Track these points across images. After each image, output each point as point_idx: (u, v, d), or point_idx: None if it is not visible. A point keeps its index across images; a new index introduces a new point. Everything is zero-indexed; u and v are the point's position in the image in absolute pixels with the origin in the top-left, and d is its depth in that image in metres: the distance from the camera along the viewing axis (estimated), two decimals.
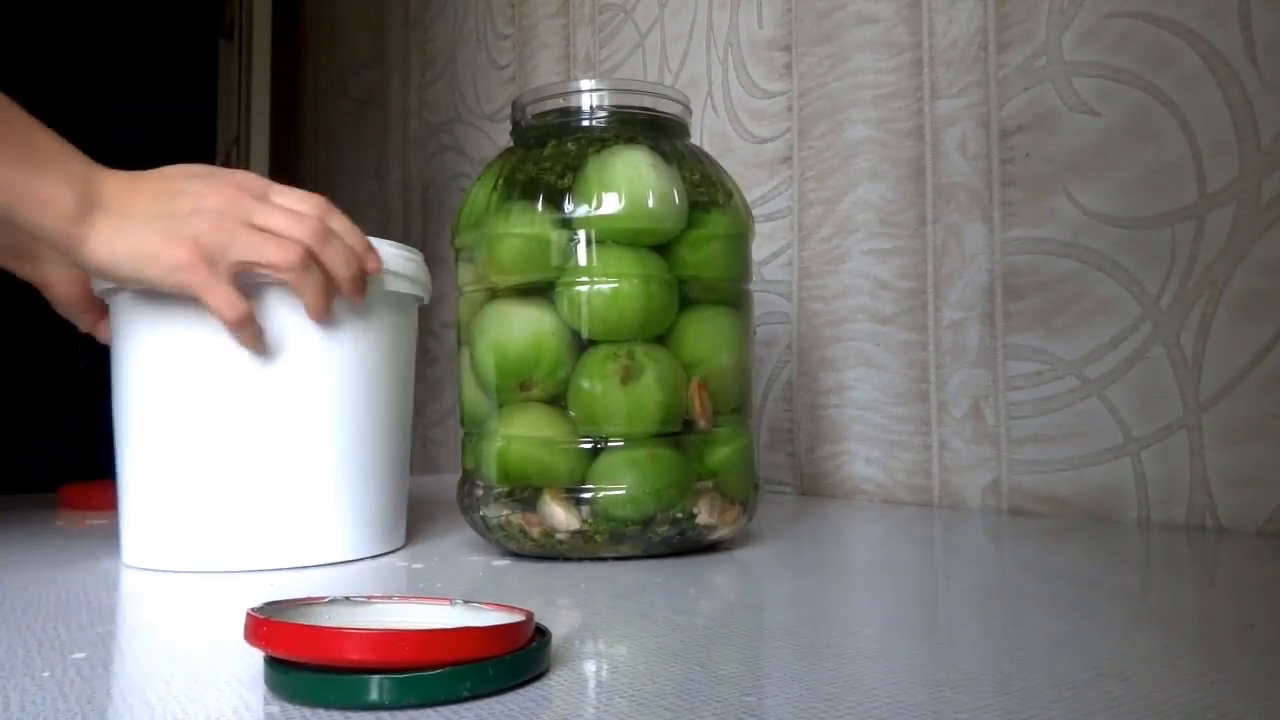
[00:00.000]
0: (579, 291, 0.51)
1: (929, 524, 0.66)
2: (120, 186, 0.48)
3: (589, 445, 0.51)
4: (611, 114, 0.55)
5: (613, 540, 0.50)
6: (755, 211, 0.90)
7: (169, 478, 0.50)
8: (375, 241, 0.54)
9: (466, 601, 0.33)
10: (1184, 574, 0.50)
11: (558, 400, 0.51)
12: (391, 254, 0.55)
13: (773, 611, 0.40)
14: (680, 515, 0.51)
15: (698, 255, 0.53)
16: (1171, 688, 0.29)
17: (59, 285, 0.61)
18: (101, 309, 0.61)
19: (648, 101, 0.56)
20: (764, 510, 0.73)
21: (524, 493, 0.51)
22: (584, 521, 0.50)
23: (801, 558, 0.53)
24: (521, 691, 0.29)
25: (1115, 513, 0.65)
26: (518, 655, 0.29)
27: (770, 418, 0.88)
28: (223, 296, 0.48)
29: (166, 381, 0.50)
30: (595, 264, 0.51)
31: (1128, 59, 0.65)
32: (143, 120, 2.35)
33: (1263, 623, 0.37)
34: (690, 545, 0.52)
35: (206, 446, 0.50)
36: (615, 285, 0.51)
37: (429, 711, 0.27)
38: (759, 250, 0.89)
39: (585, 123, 0.55)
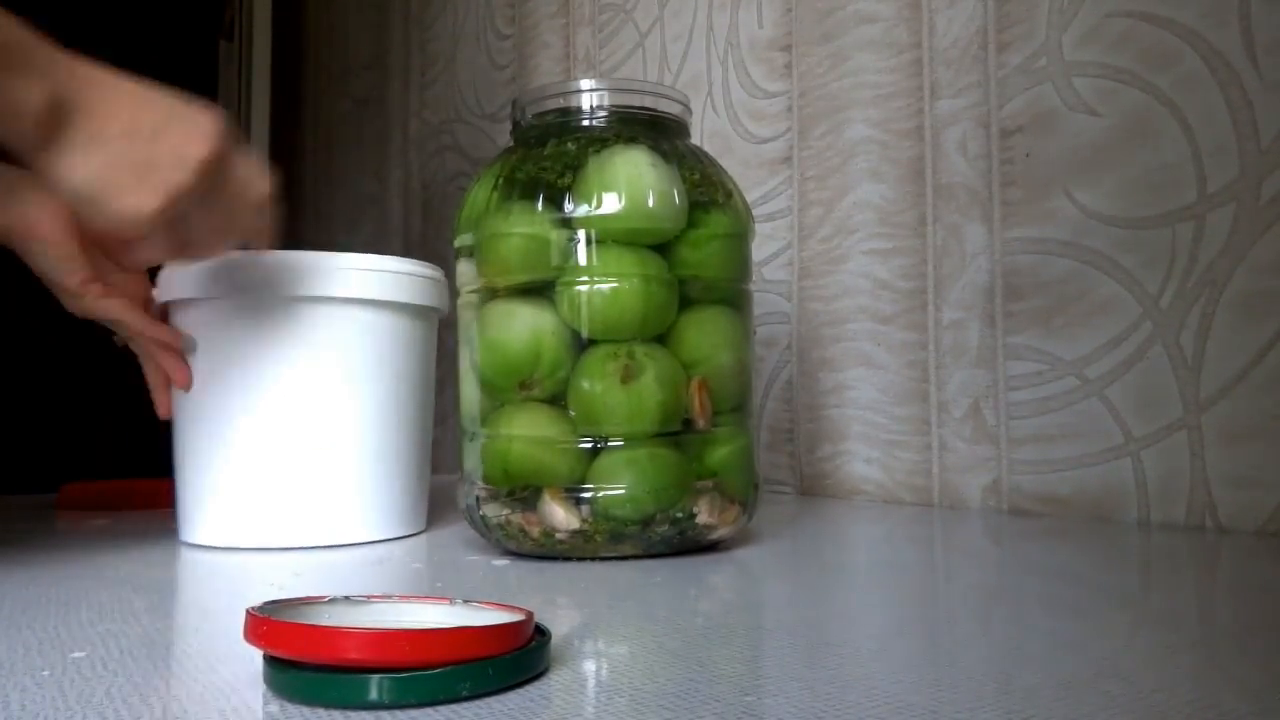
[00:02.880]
0: (579, 291, 0.51)
1: (929, 524, 0.66)
2: (97, 91, 0.43)
3: (589, 445, 0.51)
4: (611, 114, 0.55)
5: (612, 540, 0.50)
6: (755, 211, 0.90)
7: (225, 468, 0.57)
8: (401, 262, 0.61)
9: (466, 601, 0.33)
10: (1184, 574, 0.50)
11: (558, 400, 0.51)
12: (414, 270, 0.61)
13: (773, 611, 0.40)
14: (680, 515, 0.51)
15: (697, 255, 0.53)
16: (1171, 688, 0.29)
17: (40, 225, 0.51)
18: (98, 274, 0.54)
19: (648, 101, 0.56)
20: (764, 510, 0.73)
21: (524, 492, 0.51)
22: (584, 521, 0.50)
23: (801, 558, 0.53)
24: (521, 691, 0.29)
25: (1115, 513, 0.65)
26: (517, 655, 0.29)
27: (770, 418, 0.88)
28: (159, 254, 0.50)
29: (228, 382, 0.57)
30: (595, 263, 0.51)
31: (1128, 59, 0.65)
32: None
33: (1263, 623, 0.37)
34: (690, 545, 0.52)
35: (258, 439, 0.57)
36: (615, 285, 0.51)
37: (428, 711, 0.27)
38: (759, 250, 0.89)
39: (585, 122, 0.55)
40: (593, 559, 0.51)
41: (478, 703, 0.28)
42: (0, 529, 0.64)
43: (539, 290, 0.52)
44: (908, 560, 0.52)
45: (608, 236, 0.51)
